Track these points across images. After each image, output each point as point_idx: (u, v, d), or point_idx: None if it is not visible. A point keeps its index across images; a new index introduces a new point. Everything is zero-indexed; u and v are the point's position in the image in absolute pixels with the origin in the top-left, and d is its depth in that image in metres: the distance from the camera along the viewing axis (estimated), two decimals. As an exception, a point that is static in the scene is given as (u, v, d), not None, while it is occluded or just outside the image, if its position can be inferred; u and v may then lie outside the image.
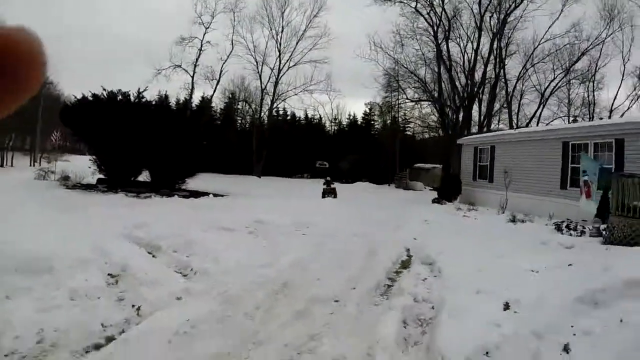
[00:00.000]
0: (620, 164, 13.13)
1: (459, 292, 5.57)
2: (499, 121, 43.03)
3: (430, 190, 32.29)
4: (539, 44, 38.03)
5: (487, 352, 3.83)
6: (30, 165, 47.10)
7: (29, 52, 0.29)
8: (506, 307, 5.09)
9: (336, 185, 26.31)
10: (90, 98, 21.81)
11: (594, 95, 40.51)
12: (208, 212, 12.81)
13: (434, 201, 22.67)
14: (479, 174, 22.33)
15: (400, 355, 4.03)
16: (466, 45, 38.00)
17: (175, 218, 10.88)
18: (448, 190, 23.72)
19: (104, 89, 21.88)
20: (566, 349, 4.12)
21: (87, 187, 21.27)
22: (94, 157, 23.39)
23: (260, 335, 4.36)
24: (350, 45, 78.07)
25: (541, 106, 39.93)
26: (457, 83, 37.85)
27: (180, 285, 5.90)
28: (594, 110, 40.76)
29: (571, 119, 40.44)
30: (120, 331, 4.49)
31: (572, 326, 4.45)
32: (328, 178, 25.85)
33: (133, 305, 5.08)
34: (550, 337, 4.27)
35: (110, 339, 4.33)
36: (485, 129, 36.61)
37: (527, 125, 38.36)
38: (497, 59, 37.86)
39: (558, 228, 11.86)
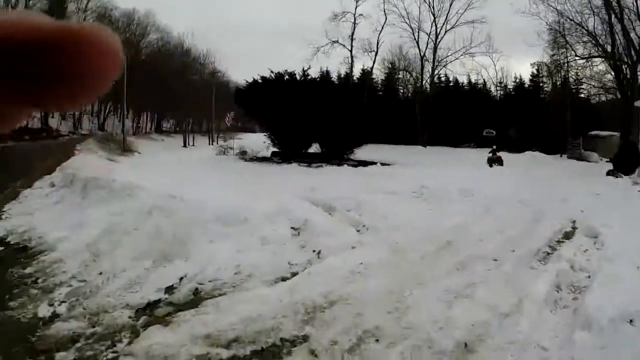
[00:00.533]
0: None
1: (618, 265, 5.58)
2: None
3: (607, 162, 29.78)
4: None
5: (631, 320, 3.98)
6: (209, 144, 51.96)
7: (107, 47, 0.31)
8: None
9: (503, 154, 26.12)
10: (260, 80, 23.86)
11: None
12: (376, 178, 13.75)
13: (608, 173, 20.72)
14: None
15: (547, 313, 4.36)
16: None
17: (347, 183, 11.86)
18: (625, 161, 21.58)
19: (271, 71, 23.84)
20: None
21: (263, 160, 23.53)
22: (267, 132, 25.78)
23: (423, 279, 5.00)
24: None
25: None
26: (633, 34, 32.34)
27: (354, 237, 6.78)
28: None
29: None
30: (304, 269, 5.44)
31: None
32: (494, 147, 25.92)
33: (314, 250, 6.05)
34: None
35: (294, 274, 5.31)
36: None
37: None
38: None
39: None
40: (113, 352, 3.67)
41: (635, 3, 31.77)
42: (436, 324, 3.83)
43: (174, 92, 52.62)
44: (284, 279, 5.16)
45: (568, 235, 7.76)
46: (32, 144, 31.98)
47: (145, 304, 4.54)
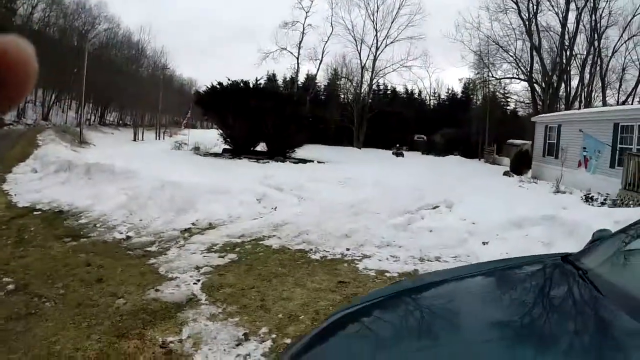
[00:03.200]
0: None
1: (450, 217, 9.87)
2: (603, 98, 39.83)
3: (514, 165, 34.12)
4: (634, 15, 35.73)
5: (431, 230, 8.23)
6: (156, 138, 54.11)
7: (18, 60, 0.34)
8: (473, 223, 9.21)
9: (430, 157, 33.11)
10: (217, 86, 27.67)
11: None
12: (313, 172, 17.91)
13: (504, 174, 24.85)
14: (548, 150, 23.33)
15: (392, 229, 8.51)
16: (564, 16, 36.58)
17: (290, 174, 15.88)
18: (519, 164, 26.17)
19: (229, 79, 27.66)
20: (484, 243, 8.23)
21: (216, 155, 27.20)
22: (220, 131, 29.41)
23: (333, 217, 9.17)
24: (448, 16, 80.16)
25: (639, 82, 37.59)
26: (549, 59, 37.75)
27: (296, 202, 10.94)
28: None
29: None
30: (268, 213, 9.43)
31: (497, 234, 8.51)
32: (397, 145, 36.50)
33: (272, 207, 10.05)
34: (477, 237, 8.35)
35: (262, 216, 9.25)
36: (580, 106, 36.16)
37: (624, 102, 37.20)
38: (592, 32, 36.42)
39: (585, 199, 14.44)
40: (179, 245, 7.43)
41: (561, 31, 36.72)
42: (335, 229, 7.98)
43: (119, 85, 54.27)
44: (256, 218, 9.18)
45: (435, 207, 11.88)
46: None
47: (184, 229, 8.36)
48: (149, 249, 7.21)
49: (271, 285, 5.42)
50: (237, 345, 3.92)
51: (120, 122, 68.66)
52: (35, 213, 9.61)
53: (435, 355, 1.80)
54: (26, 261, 6.26)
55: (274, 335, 4.07)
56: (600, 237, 2.87)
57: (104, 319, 4.38)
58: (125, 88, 54.00)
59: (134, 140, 49.33)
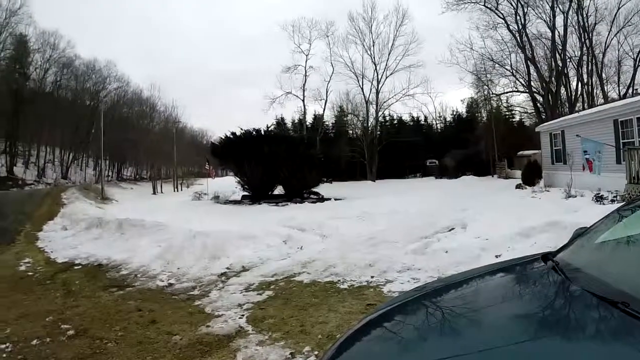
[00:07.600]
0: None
1: (464, 236, 10.54)
2: (604, 94, 40.00)
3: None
4: (619, 7, 36.66)
5: (446, 251, 8.91)
6: (174, 190, 55.31)
7: None
8: (486, 239, 9.83)
9: (444, 180, 32.61)
10: (231, 136, 28.86)
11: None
12: (331, 209, 18.65)
13: (517, 187, 25.51)
14: (555, 157, 23.82)
15: (413, 255, 9.20)
16: (552, 21, 37.54)
17: (310, 214, 16.71)
18: (530, 175, 26.57)
19: (241, 129, 28.94)
20: (497, 256, 8.81)
21: (236, 202, 27.97)
22: (237, 178, 30.34)
23: (355, 250, 9.91)
24: (443, 38, 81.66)
25: (636, 72, 38.70)
26: (545, 67, 38.76)
27: (319, 239, 11.73)
28: None
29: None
30: (295, 253, 10.20)
31: (508, 247, 9.11)
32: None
33: (297, 247, 10.78)
34: (490, 252, 8.92)
35: (290, 256, 10.01)
36: (584, 106, 36.85)
37: (625, 95, 37.89)
38: (582, 31, 37.27)
39: (596, 199, 14.82)
40: (219, 287, 8.15)
41: (552, 38, 37.74)
42: (358, 260, 8.71)
43: (134, 140, 55.66)
44: (284, 258, 9.95)
45: (450, 229, 12.49)
46: (18, 193, 35.40)
47: (220, 273, 9.10)
48: (191, 292, 7.93)
49: (308, 313, 6.15)
50: (286, 362, 4.64)
51: (137, 176, 70.03)
52: (75, 267, 10.35)
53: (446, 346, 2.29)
54: (79, 310, 6.88)
55: (316, 352, 4.79)
56: (578, 234, 3.48)
57: (166, 353, 5.07)
58: (140, 143, 55.32)
59: (154, 193, 50.55)
